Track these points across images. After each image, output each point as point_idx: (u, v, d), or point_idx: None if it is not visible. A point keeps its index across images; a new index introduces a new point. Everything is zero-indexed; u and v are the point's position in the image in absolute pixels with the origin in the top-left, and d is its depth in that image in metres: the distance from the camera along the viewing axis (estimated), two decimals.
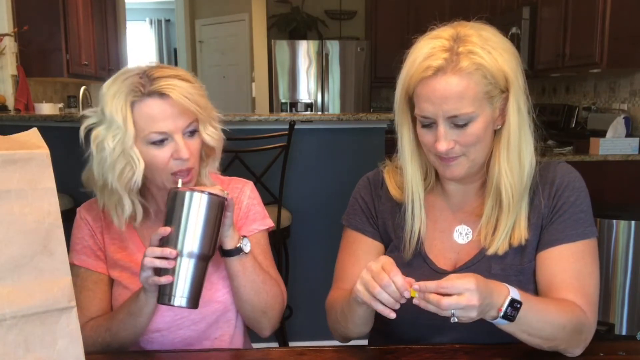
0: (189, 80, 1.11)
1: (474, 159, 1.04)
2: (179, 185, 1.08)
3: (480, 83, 0.98)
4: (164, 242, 1.03)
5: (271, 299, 1.19)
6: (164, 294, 1.02)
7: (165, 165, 1.09)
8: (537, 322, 0.94)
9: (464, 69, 0.97)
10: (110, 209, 1.15)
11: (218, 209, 1.04)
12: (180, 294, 1.02)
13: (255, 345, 1.31)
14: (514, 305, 0.90)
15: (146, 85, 1.07)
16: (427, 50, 0.99)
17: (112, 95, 1.08)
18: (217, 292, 1.20)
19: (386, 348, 1.07)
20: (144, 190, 1.17)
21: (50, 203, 0.75)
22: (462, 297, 0.85)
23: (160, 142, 1.08)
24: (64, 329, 0.76)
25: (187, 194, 1.02)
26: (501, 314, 0.90)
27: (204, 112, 1.11)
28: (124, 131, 1.06)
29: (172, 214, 1.03)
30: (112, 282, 1.22)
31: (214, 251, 1.06)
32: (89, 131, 1.11)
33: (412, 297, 0.90)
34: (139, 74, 1.09)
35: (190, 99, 1.08)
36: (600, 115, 3.65)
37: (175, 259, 1.01)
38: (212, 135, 1.14)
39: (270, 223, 1.27)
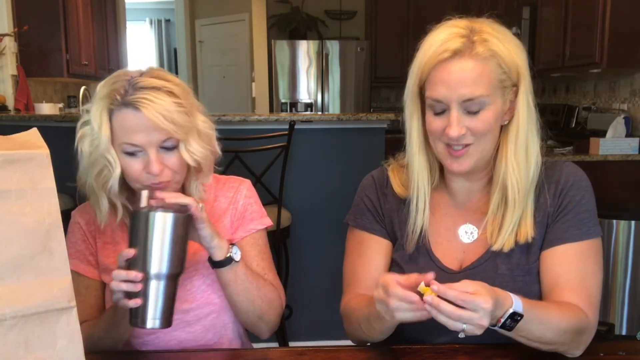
0: (175, 94, 1.06)
1: (482, 149, 1.04)
2: (143, 196, 1.02)
3: (495, 70, 1.00)
4: (130, 263, 0.99)
5: (266, 305, 1.17)
6: (135, 317, 0.98)
7: (138, 176, 1.08)
8: (536, 330, 0.94)
9: (480, 54, 0.99)
10: (94, 205, 1.15)
11: (184, 226, 1.00)
12: (152, 316, 0.98)
13: (255, 345, 1.30)
14: (514, 317, 0.89)
15: (125, 95, 1.05)
16: (444, 35, 1.01)
17: (99, 97, 1.07)
18: (212, 294, 1.19)
19: (386, 348, 1.07)
20: (131, 189, 1.16)
21: (50, 203, 0.75)
22: (475, 314, 0.83)
23: (132, 154, 1.07)
24: (64, 329, 0.76)
25: (150, 215, 0.97)
26: (499, 324, 0.89)
27: (181, 131, 1.06)
28: (98, 136, 1.06)
29: (135, 235, 0.98)
30: (103, 287, 1.21)
31: (184, 267, 1.03)
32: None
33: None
34: (128, 80, 1.07)
35: (165, 117, 1.03)
36: (600, 115, 3.65)
37: (142, 281, 0.97)
38: (194, 153, 1.09)
39: (268, 222, 1.26)
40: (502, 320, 0.89)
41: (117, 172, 1.07)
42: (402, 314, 0.88)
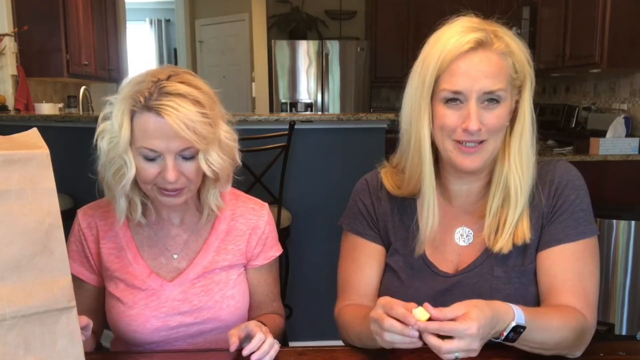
0: (200, 103, 1.04)
1: (494, 148, 1.04)
2: None
3: (510, 68, 1.02)
4: None
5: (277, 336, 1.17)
6: None
7: (151, 179, 1.07)
8: (539, 337, 0.94)
9: (501, 50, 1.00)
10: (112, 202, 1.15)
11: None
12: None
13: None
14: (517, 330, 0.89)
15: (149, 99, 1.02)
16: (462, 28, 1.01)
17: (123, 96, 1.05)
18: (220, 310, 1.19)
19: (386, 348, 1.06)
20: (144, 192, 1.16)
21: (50, 203, 0.75)
22: (462, 342, 0.83)
23: (151, 159, 1.05)
24: (64, 329, 0.76)
25: None
26: (502, 338, 0.89)
27: (202, 142, 1.04)
28: (118, 137, 1.05)
29: None
30: (97, 290, 1.22)
31: None
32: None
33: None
34: (154, 81, 1.04)
35: (187, 126, 1.01)
36: (600, 115, 3.65)
37: None
38: (213, 163, 1.07)
39: (280, 248, 1.29)
40: (505, 334, 0.88)
41: (132, 173, 1.06)
42: (391, 336, 0.87)
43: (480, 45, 0.99)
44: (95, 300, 1.23)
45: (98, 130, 1.09)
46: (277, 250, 1.27)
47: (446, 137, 1.03)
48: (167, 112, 1.01)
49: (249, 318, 1.25)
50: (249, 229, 1.24)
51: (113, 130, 1.06)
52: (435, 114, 1.03)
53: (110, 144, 1.06)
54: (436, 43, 1.02)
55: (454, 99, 1.01)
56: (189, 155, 1.06)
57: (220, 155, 1.09)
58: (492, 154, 1.04)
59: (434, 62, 1.01)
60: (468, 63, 0.99)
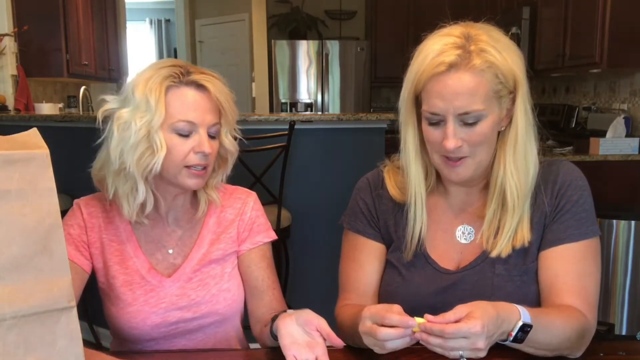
0: (224, 84, 1.16)
1: (480, 160, 1.03)
2: None
3: (492, 81, 0.98)
4: None
5: None
6: None
7: (183, 157, 1.09)
8: (544, 338, 0.93)
9: (477, 67, 0.97)
10: (121, 197, 1.13)
11: None
12: None
13: (253, 346, 1.30)
14: (525, 329, 0.89)
15: (185, 75, 1.10)
16: (438, 47, 0.99)
17: (146, 79, 1.08)
18: (217, 304, 1.19)
19: None
20: (157, 181, 1.16)
21: (50, 203, 0.75)
22: (467, 341, 0.83)
23: (185, 134, 1.09)
24: (64, 328, 0.76)
25: None
26: (511, 338, 0.89)
27: (232, 116, 1.16)
28: (153, 113, 1.06)
29: None
30: (83, 275, 1.17)
31: None
32: (106, 116, 1.11)
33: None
34: (175, 66, 1.11)
35: (225, 99, 1.13)
36: (600, 115, 3.65)
37: None
38: (230, 143, 1.18)
39: (273, 235, 1.27)
40: (513, 334, 0.88)
41: (162, 153, 1.08)
42: (392, 343, 0.87)
43: (453, 67, 0.97)
44: (80, 283, 1.17)
45: (116, 118, 1.08)
46: (265, 237, 1.26)
47: (433, 150, 1.05)
48: (208, 82, 1.11)
49: (250, 307, 1.25)
50: (237, 216, 1.25)
51: (143, 110, 1.06)
52: (422, 128, 1.05)
53: (142, 123, 1.06)
54: (416, 59, 1.02)
55: (435, 118, 1.01)
56: (215, 132, 1.13)
57: (234, 135, 1.20)
58: (480, 164, 1.04)
59: (411, 81, 1.02)
60: (442, 85, 0.98)
